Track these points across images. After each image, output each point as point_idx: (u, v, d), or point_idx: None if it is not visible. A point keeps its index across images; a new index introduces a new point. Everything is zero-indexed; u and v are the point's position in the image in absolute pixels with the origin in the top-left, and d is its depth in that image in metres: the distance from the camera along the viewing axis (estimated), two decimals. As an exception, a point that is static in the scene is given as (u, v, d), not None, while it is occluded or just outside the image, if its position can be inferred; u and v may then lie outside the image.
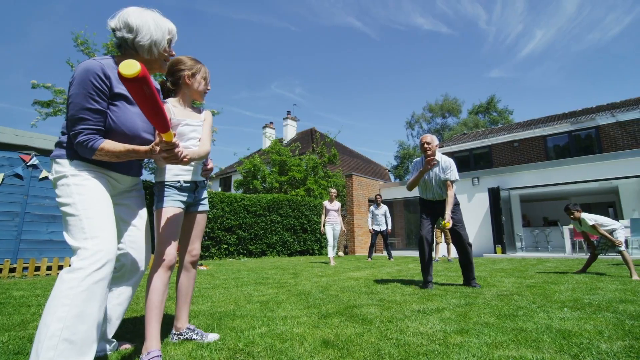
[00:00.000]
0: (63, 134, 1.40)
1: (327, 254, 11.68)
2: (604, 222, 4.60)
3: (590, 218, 4.62)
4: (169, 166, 1.67)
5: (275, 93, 66.03)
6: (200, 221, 1.84)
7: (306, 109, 63.43)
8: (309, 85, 67.14)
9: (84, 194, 1.33)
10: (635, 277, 4.04)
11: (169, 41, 1.51)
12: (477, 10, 49.82)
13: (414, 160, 4.07)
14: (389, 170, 25.10)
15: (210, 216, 9.33)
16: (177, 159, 1.40)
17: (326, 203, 7.40)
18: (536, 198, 15.40)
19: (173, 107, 1.71)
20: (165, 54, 1.51)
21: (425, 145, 3.78)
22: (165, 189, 1.66)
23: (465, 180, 12.08)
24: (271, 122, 22.74)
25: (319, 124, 63.94)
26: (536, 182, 11.31)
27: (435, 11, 51.91)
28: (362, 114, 67.72)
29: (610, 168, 9.98)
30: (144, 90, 1.11)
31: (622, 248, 4.33)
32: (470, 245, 3.69)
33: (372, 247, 8.84)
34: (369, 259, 8.66)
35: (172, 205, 1.65)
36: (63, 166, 1.35)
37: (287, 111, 20.91)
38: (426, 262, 3.64)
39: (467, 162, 16.75)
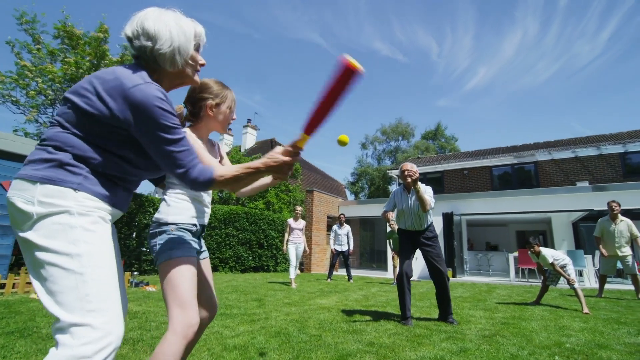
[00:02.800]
0: (59, 149, 0.97)
1: (283, 270, 11.27)
2: (558, 256, 4.86)
3: (549, 255, 4.81)
4: (185, 205, 1.42)
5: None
6: (209, 268, 1.56)
7: (265, 118, 62.75)
8: (268, 94, 66.68)
9: (93, 244, 0.93)
10: (585, 310, 4.30)
11: (197, 47, 1.17)
12: (430, 43, 53.72)
13: (393, 190, 3.98)
14: (345, 187, 25.41)
15: (160, 227, 8.53)
16: (286, 174, 1.16)
17: (290, 221, 7.10)
18: (480, 223, 16.46)
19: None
20: (193, 63, 1.16)
21: (406, 173, 3.69)
22: (181, 233, 1.36)
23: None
24: (229, 129, 21.96)
25: (278, 135, 63.52)
26: (483, 210, 12.07)
27: (393, 39, 55.00)
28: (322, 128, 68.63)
29: (545, 201, 10.96)
30: (346, 87, 1.08)
31: (576, 285, 4.59)
32: (448, 279, 3.65)
33: (332, 268, 8.66)
34: (329, 279, 8.45)
35: (191, 255, 1.34)
36: (64, 197, 0.93)
37: (248, 119, 20.35)
38: (405, 297, 3.53)
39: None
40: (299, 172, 13.32)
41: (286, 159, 1.11)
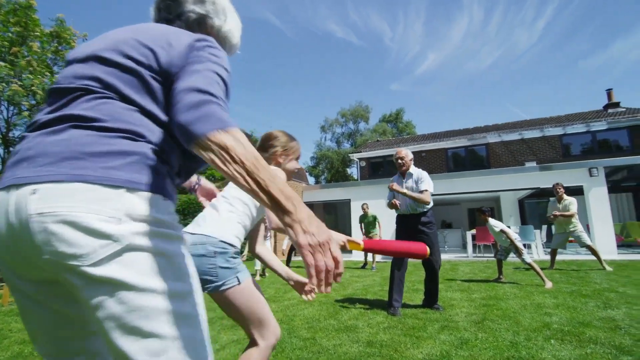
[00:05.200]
0: (136, 135, 0.66)
1: (249, 259, 10.91)
2: (505, 229, 5.17)
3: (496, 225, 5.15)
4: (243, 222, 1.40)
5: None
6: None
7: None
8: (221, 75, 63.38)
9: (194, 275, 0.70)
10: (548, 285, 4.58)
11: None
12: (383, 27, 54.20)
13: (392, 177, 3.84)
14: (306, 171, 25.20)
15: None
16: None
17: None
18: (437, 203, 17.26)
19: None
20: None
21: (400, 161, 3.62)
22: (237, 255, 1.37)
23: (383, 186, 12.73)
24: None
25: (232, 116, 60.92)
26: (440, 190, 12.55)
27: (348, 21, 54.61)
28: (279, 110, 67.04)
29: (495, 181, 11.64)
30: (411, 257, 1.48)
31: (528, 260, 4.87)
32: (439, 267, 3.63)
33: (292, 252, 8.62)
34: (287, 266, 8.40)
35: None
36: (165, 211, 0.68)
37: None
38: (394, 287, 3.45)
39: (381, 168, 17.83)
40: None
41: (336, 249, 0.66)
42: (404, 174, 3.71)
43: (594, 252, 6.05)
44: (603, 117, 14.36)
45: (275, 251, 11.59)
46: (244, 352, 1.30)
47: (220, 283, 1.25)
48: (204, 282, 1.23)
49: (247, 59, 61.74)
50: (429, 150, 16.84)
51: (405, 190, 3.49)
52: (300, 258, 6.66)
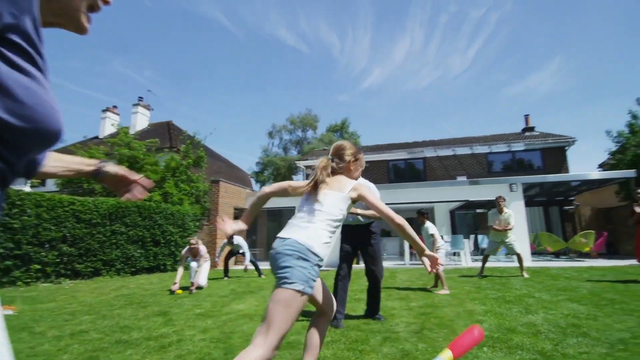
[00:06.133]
0: None
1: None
2: (438, 236, 5.64)
3: (431, 228, 5.63)
4: (330, 233, 1.59)
5: (119, 72, 55.68)
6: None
7: (160, 99, 56.09)
8: (162, 70, 59.62)
9: None
10: (445, 290, 5.04)
11: None
12: (332, 39, 55.74)
13: None
14: (251, 177, 24.56)
15: (17, 226, 6.63)
16: None
17: (185, 252, 6.20)
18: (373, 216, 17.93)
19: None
20: None
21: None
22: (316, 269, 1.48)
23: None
24: (114, 106, 18.72)
25: (175, 118, 57.44)
26: (384, 200, 13.08)
27: (299, 29, 55.19)
28: (225, 112, 64.73)
29: (431, 193, 12.44)
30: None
31: (441, 269, 5.31)
32: (381, 278, 3.66)
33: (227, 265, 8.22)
34: (226, 277, 7.92)
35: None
36: None
37: (139, 97, 17.57)
38: (337, 298, 3.39)
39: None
40: (203, 159, 12.13)
41: None
42: None
43: (520, 260, 6.68)
44: (521, 139, 16.23)
45: (215, 249, 10.98)
46: (247, 349, 1.33)
47: (290, 281, 1.39)
48: (279, 277, 1.43)
49: (192, 57, 58.99)
50: (372, 161, 17.46)
51: (359, 212, 3.43)
52: (238, 267, 6.31)
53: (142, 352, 2.61)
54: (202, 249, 6.26)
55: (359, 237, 3.59)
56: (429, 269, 1.72)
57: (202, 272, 6.24)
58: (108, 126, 17.79)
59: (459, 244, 10.52)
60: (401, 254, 14.05)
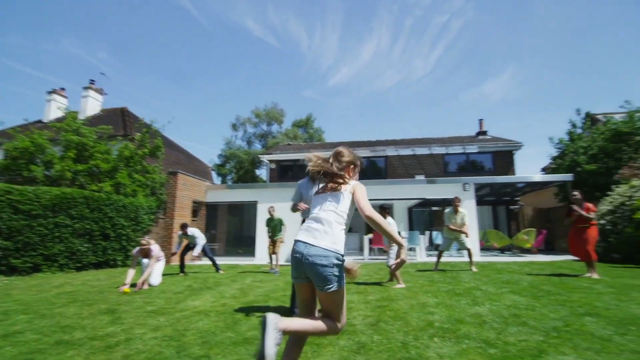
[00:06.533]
0: None
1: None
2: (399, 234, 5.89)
3: (393, 224, 5.83)
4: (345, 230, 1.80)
5: (68, 51, 51.20)
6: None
7: (115, 83, 52.35)
8: (118, 53, 55.73)
9: None
10: (401, 284, 5.26)
11: None
12: (301, 34, 55.40)
13: (299, 182, 3.76)
14: (212, 169, 23.76)
15: (-63, 217, 5.89)
16: None
17: (136, 252, 5.85)
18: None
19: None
20: None
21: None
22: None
23: (291, 189, 12.82)
24: (62, 89, 17.16)
25: (130, 104, 53.90)
26: (345, 196, 13.30)
27: (267, 21, 54.19)
28: (185, 102, 61.96)
29: (391, 190, 12.85)
30: None
31: (390, 263, 5.55)
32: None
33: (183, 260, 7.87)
34: (182, 273, 7.59)
35: None
36: None
37: (91, 80, 16.20)
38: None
39: (291, 172, 17.97)
40: (160, 149, 11.52)
41: None
42: (314, 180, 3.71)
43: (470, 254, 7.11)
44: (475, 142, 17.20)
45: (170, 244, 10.51)
46: (323, 318, 1.74)
47: (333, 286, 1.67)
48: (323, 284, 1.67)
49: (152, 41, 55.74)
50: (336, 157, 17.64)
51: None
52: (195, 263, 6.16)
53: (85, 352, 2.44)
54: (155, 248, 5.92)
55: None
56: (397, 262, 2.03)
57: (155, 272, 5.94)
58: (54, 110, 16.27)
59: (415, 240, 10.97)
60: (361, 249, 14.38)
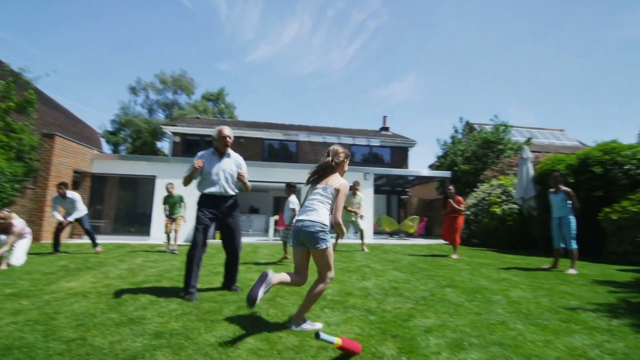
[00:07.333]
0: None
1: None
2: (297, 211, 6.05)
3: (293, 202, 5.97)
4: (328, 211, 2.48)
5: None
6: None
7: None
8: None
9: None
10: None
11: None
12: (220, 1, 51.44)
13: (198, 153, 3.55)
14: (101, 136, 20.61)
15: None
16: None
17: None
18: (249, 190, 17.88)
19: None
20: None
21: (228, 140, 3.56)
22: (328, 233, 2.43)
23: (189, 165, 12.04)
24: None
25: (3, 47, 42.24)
26: (253, 178, 13.05)
27: (183, -22, 48.65)
28: (72, 53, 51.76)
29: (301, 174, 13.16)
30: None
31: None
32: (241, 249, 3.68)
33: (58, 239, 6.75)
34: (56, 252, 6.57)
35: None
36: None
37: None
38: (193, 270, 3.28)
39: (197, 147, 16.83)
40: (32, 105, 9.49)
41: None
42: (222, 154, 3.60)
43: (362, 236, 7.83)
44: (378, 136, 18.75)
45: (41, 219, 8.86)
46: (314, 283, 2.45)
47: (321, 246, 2.34)
48: (314, 244, 2.35)
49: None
50: (248, 137, 17.21)
51: (247, 181, 3.62)
52: (74, 241, 5.45)
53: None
54: (17, 223, 4.97)
55: (222, 208, 3.52)
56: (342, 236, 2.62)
57: (17, 250, 5.01)
58: None
59: (319, 223, 11.56)
60: (266, 230, 14.48)
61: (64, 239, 8.65)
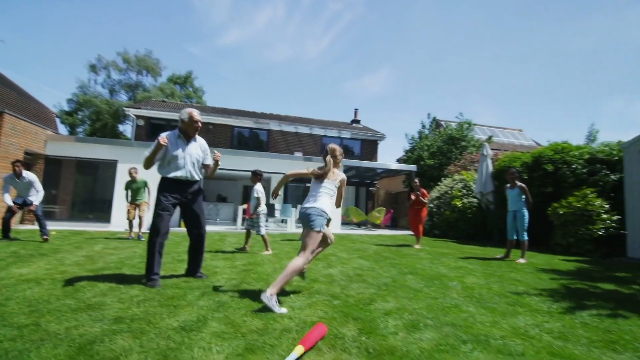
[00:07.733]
0: None
1: None
2: (263, 199, 5.73)
3: (259, 190, 5.70)
4: (331, 200, 3.02)
5: None
6: None
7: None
8: None
9: None
10: (268, 251, 5.52)
11: None
12: (192, -21, 49.05)
13: (162, 134, 3.41)
14: (56, 116, 19.19)
15: None
16: None
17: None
18: (215, 177, 17.50)
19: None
20: None
21: (198, 124, 3.49)
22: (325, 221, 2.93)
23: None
24: None
25: None
26: (222, 166, 12.87)
27: (150, -49, 45.77)
28: (24, 24, 47.28)
29: (270, 164, 13.10)
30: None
31: (262, 232, 5.69)
32: (205, 234, 3.64)
33: (8, 225, 6.26)
34: (6, 239, 6.13)
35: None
36: None
37: None
38: (155, 255, 3.20)
39: (163, 132, 16.16)
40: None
41: None
42: (190, 138, 3.51)
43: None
44: (349, 128, 18.94)
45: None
46: (295, 258, 2.74)
47: (315, 227, 2.78)
48: (310, 225, 2.79)
49: None
50: (217, 124, 16.77)
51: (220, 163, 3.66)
52: (26, 227, 5.17)
53: None
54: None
55: (187, 193, 3.45)
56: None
57: None
58: None
59: (287, 212, 11.58)
60: (234, 220, 14.31)
61: (14, 224, 8.06)
